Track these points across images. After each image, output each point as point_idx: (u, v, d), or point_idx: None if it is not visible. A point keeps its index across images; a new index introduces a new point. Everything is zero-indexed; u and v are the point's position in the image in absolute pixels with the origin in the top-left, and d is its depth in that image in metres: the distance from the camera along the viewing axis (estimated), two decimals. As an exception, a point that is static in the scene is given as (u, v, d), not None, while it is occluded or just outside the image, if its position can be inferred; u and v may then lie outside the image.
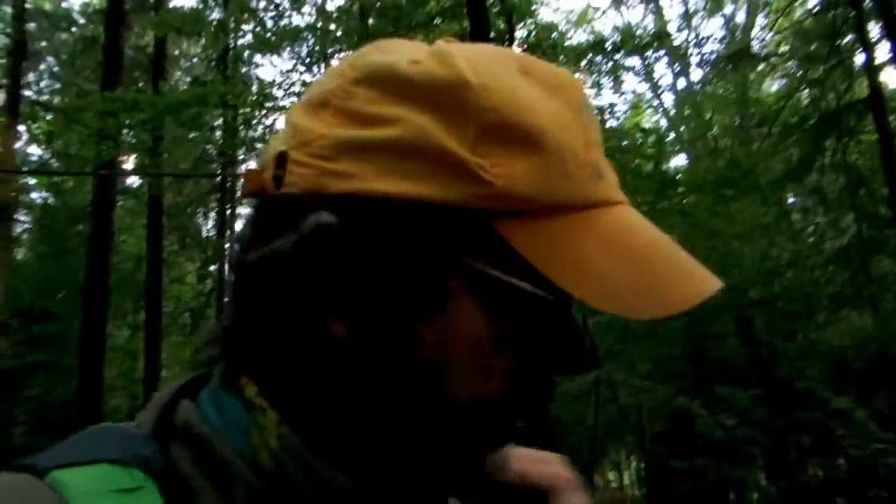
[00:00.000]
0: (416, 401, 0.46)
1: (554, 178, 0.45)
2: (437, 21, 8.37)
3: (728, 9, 16.48)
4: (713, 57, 13.42)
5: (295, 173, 0.47)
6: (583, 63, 7.91)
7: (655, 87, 15.87)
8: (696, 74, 14.70)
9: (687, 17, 16.49)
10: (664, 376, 8.68)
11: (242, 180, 0.51)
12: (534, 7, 9.16)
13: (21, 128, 12.86)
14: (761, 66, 12.25)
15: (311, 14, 9.66)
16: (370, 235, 0.45)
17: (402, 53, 0.48)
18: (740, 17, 16.30)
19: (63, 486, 0.42)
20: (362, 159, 0.45)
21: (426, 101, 0.45)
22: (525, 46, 8.40)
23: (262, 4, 9.52)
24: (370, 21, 8.91)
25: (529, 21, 8.97)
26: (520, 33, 9.22)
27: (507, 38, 7.88)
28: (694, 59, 15.69)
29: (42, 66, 15.51)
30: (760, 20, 14.84)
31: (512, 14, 7.65)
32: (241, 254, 0.49)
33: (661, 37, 8.49)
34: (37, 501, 0.41)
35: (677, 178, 7.18)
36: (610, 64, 8.15)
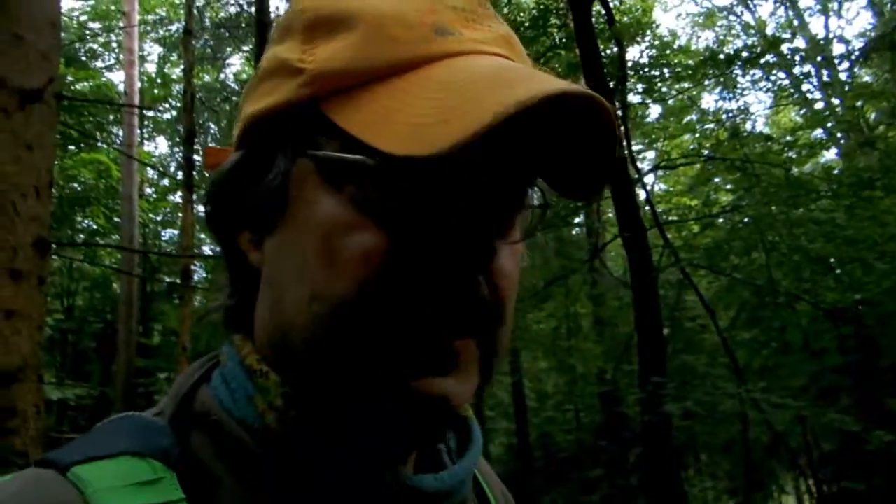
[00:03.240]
0: (292, 306, 0.46)
1: (372, 46, 0.45)
2: (549, 54, 8.53)
3: (872, -12, 15.20)
4: (861, 45, 12.45)
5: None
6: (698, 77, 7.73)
7: (796, 80, 14.91)
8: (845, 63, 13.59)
9: (824, 1, 15.42)
10: (819, 391, 8.11)
11: (204, 156, 0.56)
12: (651, 22, 9.09)
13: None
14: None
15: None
16: (243, 158, 0.51)
17: None
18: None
19: (83, 482, 0.42)
20: (248, 99, 0.52)
21: (279, 34, 0.52)
22: (638, 68, 8.35)
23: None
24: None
25: (647, 37, 8.91)
26: (635, 51, 9.20)
27: (620, 63, 7.89)
28: (837, 49, 14.58)
29: (203, 135, 17.35)
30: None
31: (620, 39, 7.66)
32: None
33: (775, 43, 8.09)
34: (58, 498, 0.41)
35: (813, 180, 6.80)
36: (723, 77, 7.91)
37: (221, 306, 0.55)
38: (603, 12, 8.05)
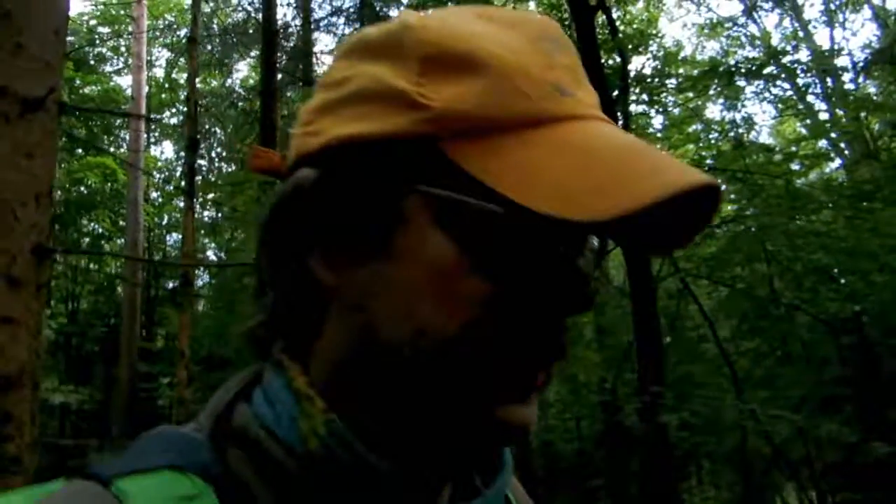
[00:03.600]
0: (388, 338, 0.46)
1: (499, 96, 0.45)
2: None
3: (878, -1, 15.25)
4: (864, 56, 12.47)
5: (290, 147, 0.52)
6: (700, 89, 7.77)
7: (800, 91, 14.93)
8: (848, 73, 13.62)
9: (830, 13, 15.45)
10: (820, 402, 8.10)
11: (250, 158, 0.55)
12: (655, 33, 9.13)
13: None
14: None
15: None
16: (336, 180, 0.48)
17: (375, 26, 0.52)
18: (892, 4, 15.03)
19: (126, 495, 0.43)
20: (331, 115, 0.49)
21: (378, 53, 0.49)
22: (641, 79, 8.39)
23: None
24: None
25: (651, 47, 8.94)
26: (640, 61, 9.24)
27: (622, 73, 7.93)
28: (841, 60, 14.59)
29: (211, 140, 17.47)
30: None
31: (623, 49, 7.70)
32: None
33: (776, 55, 8.13)
34: None
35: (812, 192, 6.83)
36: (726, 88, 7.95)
37: (267, 323, 0.53)
38: (607, 23, 8.08)
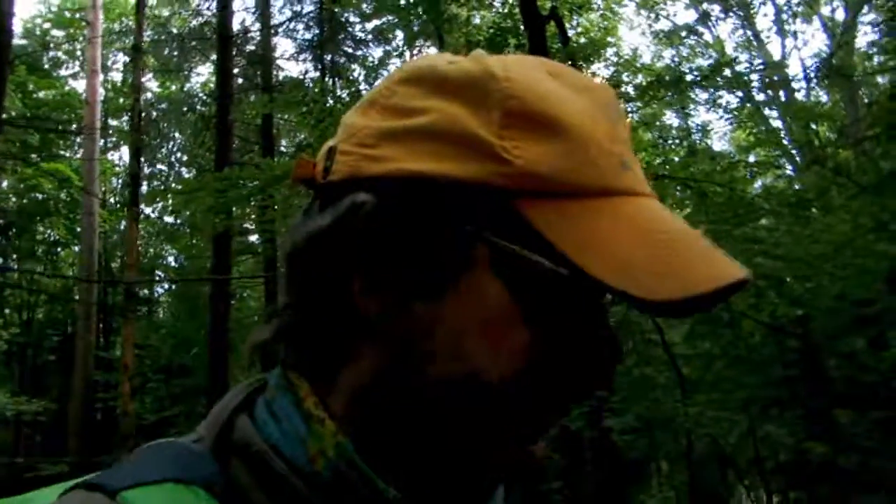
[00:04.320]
0: (435, 376, 0.46)
1: (575, 163, 0.46)
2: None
3: (825, 10, 15.75)
4: (814, 66, 12.87)
5: (340, 162, 0.51)
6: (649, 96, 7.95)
7: (750, 99, 15.32)
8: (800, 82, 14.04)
9: (781, 23, 15.90)
10: (769, 404, 8.32)
11: (295, 166, 0.54)
12: (609, 42, 9.32)
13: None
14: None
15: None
16: (400, 212, 0.48)
17: (444, 57, 0.53)
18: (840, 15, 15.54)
19: None
20: (397, 144, 0.49)
21: (457, 93, 0.49)
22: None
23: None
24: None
25: (608, 55, 9.10)
26: (596, 69, 9.40)
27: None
28: (793, 70, 15.00)
29: (170, 144, 17.27)
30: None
31: (574, 59, 7.84)
32: (291, 241, 0.52)
33: (720, 66, 8.36)
34: None
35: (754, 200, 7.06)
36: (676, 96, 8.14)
37: (283, 338, 0.53)
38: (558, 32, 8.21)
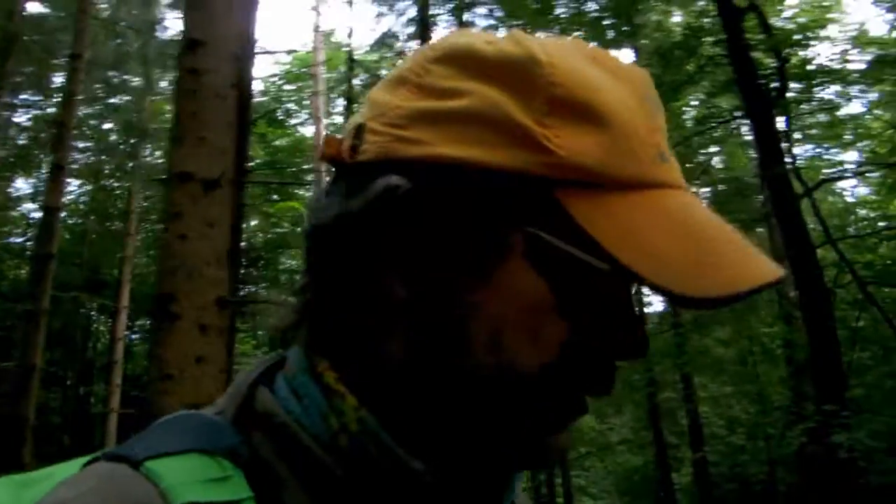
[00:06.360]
0: (469, 365, 0.46)
1: (617, 154, 0.45)
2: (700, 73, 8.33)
3: None
4: None
5: (369, 141, 0.49)
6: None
7: None
8: None
9: None
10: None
11: (322, 144, 0.52)
12: (825, 21, 8.49)
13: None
14: None
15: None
16: (435, 197, 0.46)
17: (480, 37, 0.50)
18: None
19: (158, 477, 0.43)
20: (433, 127, 0.47)
21: (498, 76, 0.47)
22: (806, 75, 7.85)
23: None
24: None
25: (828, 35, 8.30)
26: (817, 51, 8.61)
27: (780, 73, 7.54)
28: None
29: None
30: None
31: (777, 49, 7.32)
32: (314, 220, 0.51)
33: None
34: (136, 491, 0.42)
35: None
36: None
37: (306, 317, 0.52)
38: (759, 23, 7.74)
